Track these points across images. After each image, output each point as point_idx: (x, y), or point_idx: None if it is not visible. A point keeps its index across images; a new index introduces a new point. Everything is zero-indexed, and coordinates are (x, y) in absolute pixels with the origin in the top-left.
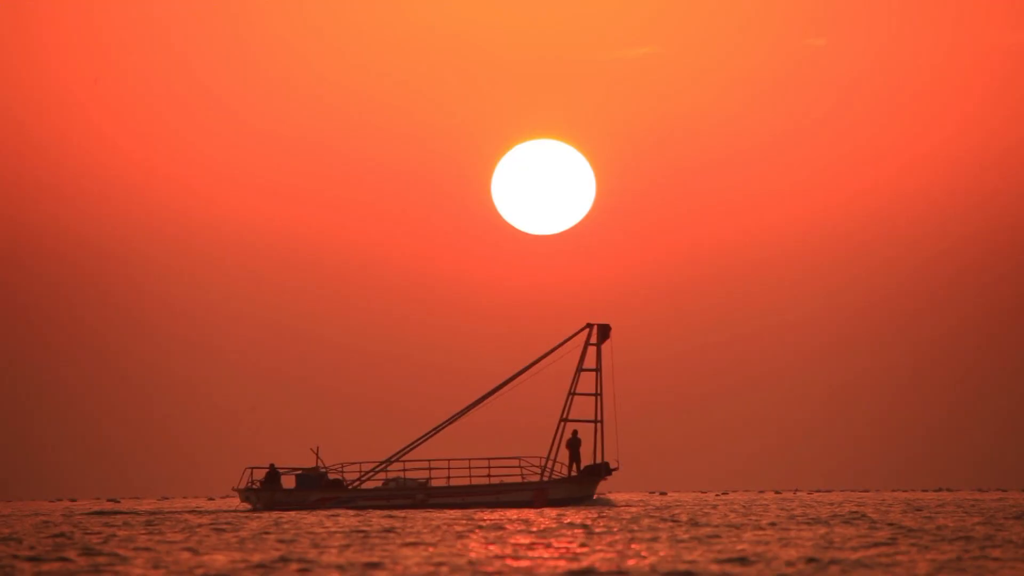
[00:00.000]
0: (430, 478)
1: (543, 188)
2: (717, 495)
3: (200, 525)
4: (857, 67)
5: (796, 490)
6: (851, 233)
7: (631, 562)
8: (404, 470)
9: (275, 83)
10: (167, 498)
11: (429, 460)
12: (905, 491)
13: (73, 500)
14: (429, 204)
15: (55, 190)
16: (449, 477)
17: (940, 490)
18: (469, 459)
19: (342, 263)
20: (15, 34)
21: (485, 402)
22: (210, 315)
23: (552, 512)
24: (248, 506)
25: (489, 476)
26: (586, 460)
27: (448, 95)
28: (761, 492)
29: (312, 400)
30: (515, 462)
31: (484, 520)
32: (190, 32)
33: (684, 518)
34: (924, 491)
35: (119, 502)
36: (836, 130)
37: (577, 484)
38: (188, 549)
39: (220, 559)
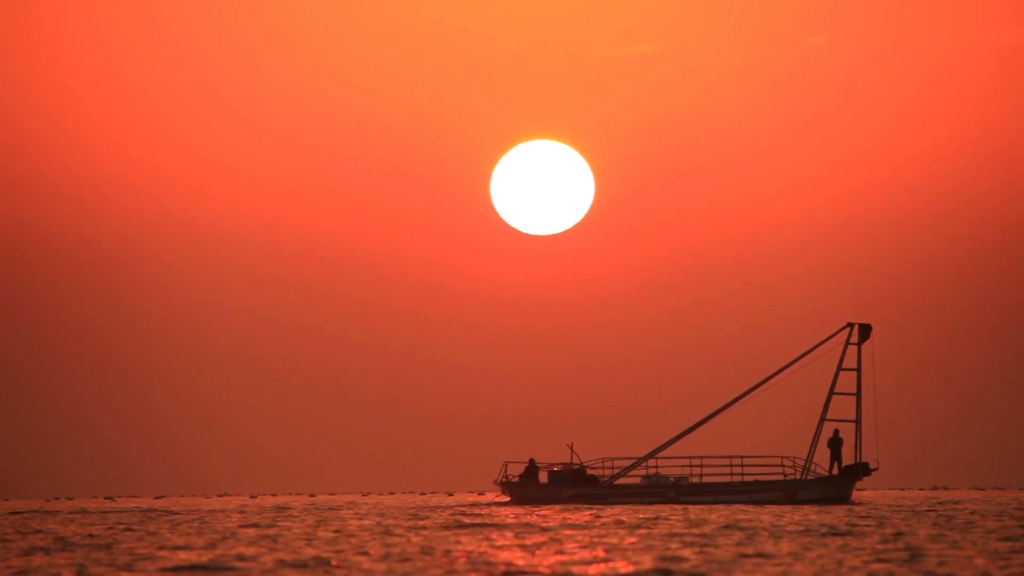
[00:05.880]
0: (680, 476)
1: (542, 189)
2: None
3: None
4: (857, 65)
5: None
6: (851, 231)
7: None
8: (657, 467)
9: (276, 82)
10: (163, 496)
11: (688, 457)
12: (901, 490)
13: (70, 498)
14: (429, 204)
15: (55, 189)
16: (701, 474)
17: (936, 488)
18: (729, 457)
19: (341, 262)
20: (16, 33)
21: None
22: (209, 314)
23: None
24: (507, 498)
25: (743, 474)
26: (848, 460)
27: (447, 96)
28: None
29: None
30: (770, 460)
31: None
32: (190, 30)
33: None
34: (920, 489)
35: (115, 499)
36: (836, 128)
37: (831, 484)
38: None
39: None
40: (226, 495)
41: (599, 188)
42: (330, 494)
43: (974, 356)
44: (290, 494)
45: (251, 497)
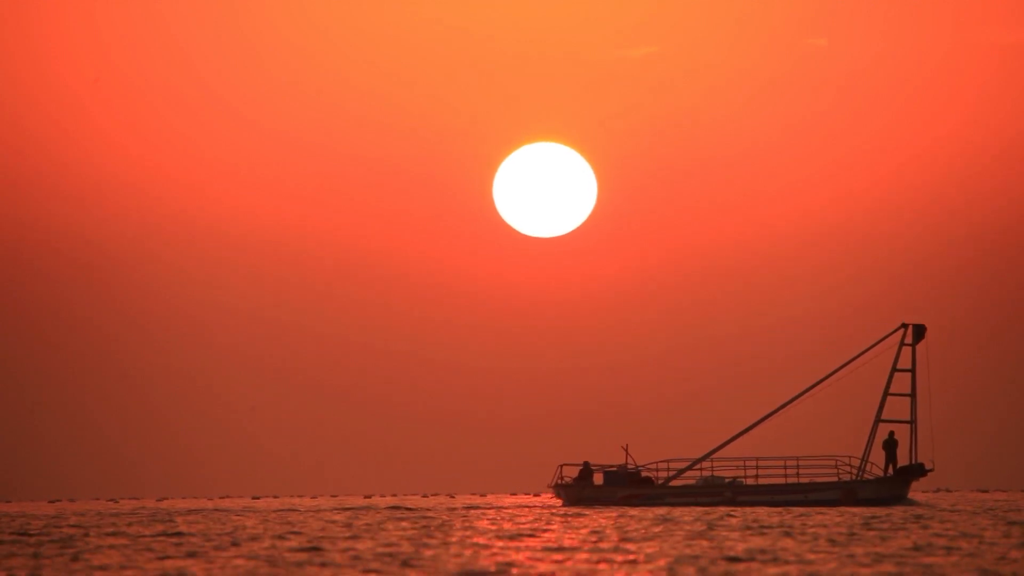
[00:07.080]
0: (736, 478)
1: (545, 191)
2: None
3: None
4: (857, 67)
5: None
6: (852, 232)
7: None
8: (712, 467)
9: (277, 83)
10: (165, 498)
11: (743, 459)
12: None
13: (72, 500)
14: (430, 206)
15: (55, 189)
16: (757, 475)
17: (939, 491)
18: (783, 458)
19: (341, 263)
20: (16, 33)
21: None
22: (209, 314)
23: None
24: (560, 501)
25: (798, 475)
26: (903, 461)
27: (448, 97)
28: None
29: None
30: (825, 461)
31: None
32: (191, 30)
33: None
34: (924, 492)
35: (117, 502)
36: (836, 128)
37: (887, 484)
38: None
39: None
40: (227, 497)
41: (602, 190)
42: (331, 496)
43: (974, 356)
44: (292, 496)
45: (253, 499)
